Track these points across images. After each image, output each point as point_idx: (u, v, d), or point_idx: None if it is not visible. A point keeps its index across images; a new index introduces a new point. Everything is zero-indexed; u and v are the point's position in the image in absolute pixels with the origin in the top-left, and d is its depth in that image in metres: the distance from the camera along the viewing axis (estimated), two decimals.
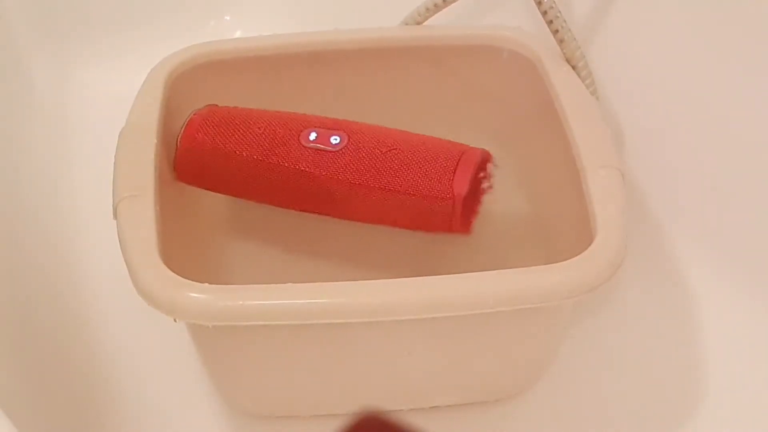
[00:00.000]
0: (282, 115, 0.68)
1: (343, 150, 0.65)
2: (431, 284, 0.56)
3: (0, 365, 0.61)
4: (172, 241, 0.59)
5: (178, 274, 0.55)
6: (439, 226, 0.65)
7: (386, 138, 0.66)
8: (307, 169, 0.65)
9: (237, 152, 0.66)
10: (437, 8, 0.77)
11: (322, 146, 0.66)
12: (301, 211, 0.69)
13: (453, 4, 0.77)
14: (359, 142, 0.66)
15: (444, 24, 0.79)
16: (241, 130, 0.67)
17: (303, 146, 0.66)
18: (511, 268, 0.58)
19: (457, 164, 0.64)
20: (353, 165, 0.65)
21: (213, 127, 0.67)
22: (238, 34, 0.90)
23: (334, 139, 0.66)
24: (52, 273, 0.73)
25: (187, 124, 0.67)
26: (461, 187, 0.63)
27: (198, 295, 0.54)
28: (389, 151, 0.65)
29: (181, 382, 0.69)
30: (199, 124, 0.67)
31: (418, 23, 0.78)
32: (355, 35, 0.75)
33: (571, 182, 0.63)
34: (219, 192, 0.69)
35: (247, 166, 0.66)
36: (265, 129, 0.66)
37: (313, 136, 0.66)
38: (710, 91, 0.72)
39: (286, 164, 0.66)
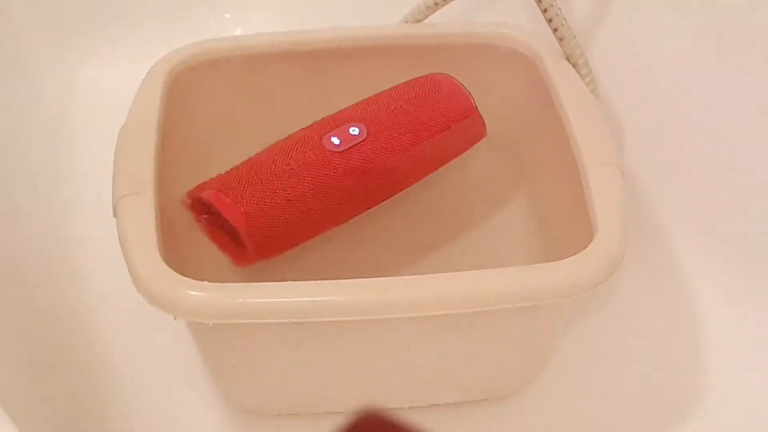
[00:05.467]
0: (288, 143, 0.66)
1: (370, 133, 0.66)
2: (431, 282, 0.56)
3: (0, 364, 0.61)
4: (172, 239, 0.60)
5: (178, 272, 0.55)
6: (474, 139, 0.71)
7: (384, 103, 0.68)
8: (359, 166, 0.65)
9: (290, 197, 0.63)
10: (437, 6, 0.77)
11: (351, 143, 0.66)
12: (371, 208, 0.68)
13: (453, 2, 0.77)
14: (374, 120, 0.67)
15: (444, 22, 0.79)
16: (272, 176, 0.64)
17: (337, 153, 0.65)
18: (511, 266, 0.58)
19: (450, 86, 0.70)
20: (388, 138, 0.66)
21: (246, 193, 0.63)
22: (238, 32, 0.90)
23: (353, 131, 0.66)
24: (52, 271, 0.73)
25: (218, 206, 0.62)
26: (469, 98, 0.70)
27: (198, 293, 0.54)
28: (400, 111, 0.67)
29: (182, 380, 0.69)
30: (229, 200, 0.63)
31: (418, 21, 0.78)
32: (355, 33, 0.75)
33: (570, 180, 0.64)
34: (296, 246, 0.66)
35: (306, 203, 0.64)
36: (292, 163, 0.64)
37: (336, 140, 0.66)
38: (710, 89, 0.72)
39: (337, 175, 0.65)
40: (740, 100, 0.70)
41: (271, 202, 0.63)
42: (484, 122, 0.71)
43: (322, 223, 0.66)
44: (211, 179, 0.65)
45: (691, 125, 0.73)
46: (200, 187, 0.64)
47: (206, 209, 0.65)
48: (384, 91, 0.70)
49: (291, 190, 0.64)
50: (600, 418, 0.67)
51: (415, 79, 0.71)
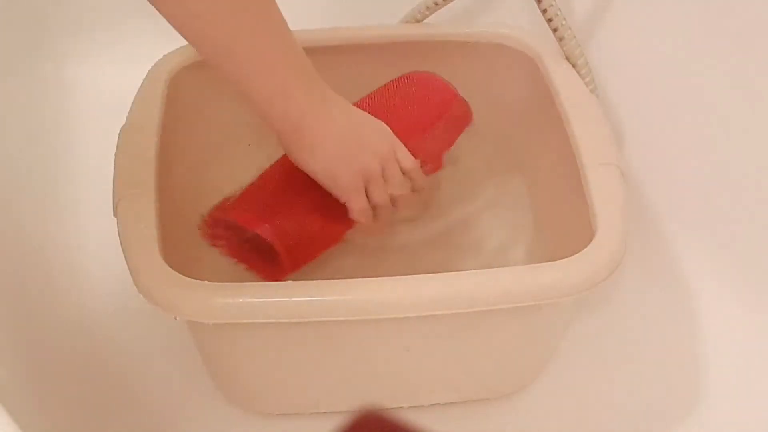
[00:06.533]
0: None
1: None
2: (430, 282, 0.56)
3: (1, 363, 0.62)
4: (172, 239, 0.60)
5: (178, 272, 0.55)
6: (465, 123, 0.71)
7: (379, 103, 0.68)
8: None
9: (310, 204, 0.63)
10: (437, 6, 0.77)
11: None
12: None
13: (453, 2, 0.77)
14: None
15: (444, 22, 0.80)
16: (289, 188, 0.63)
17: None
18: (511, 266, 0.58)
19: (432, 81, 0.71)
20: None
21: (270, 208, 0.63)
22: None
23: None
24: (53, 271, 0.73)
25: (246, 225, 0.62)
26: (450, 88, 0.70)
27: (198, 293, 0.54)
28: (394, 110, 0.67)
29: (182, 380, 0.69)
30: (255, 217, 0.62)
31: (418, 21, 0.78)
32: (355, 33, 0.75)
33: (570, 179, 0.64)
34: (323, 251, 0.66)
35: (326, 208, 0.63)
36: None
37: None
38: (710, 89, 0.72)
39: None
40: (740, 100, 0.70)
41: (295, 212, 0.63)
42: (469, 108, 0.71)
43: (343, 225, 0.65)
44: (227, 200, 0.64)
45: (691, 125, 0.73)
46: (221, 209, 0.64)
47: (226, 231, 0.64)
48: (374, 92, 0.70)
49: (311, 198, 0.63)
50: (600, 418, 0.67)
51: (399, 78, 0.71)
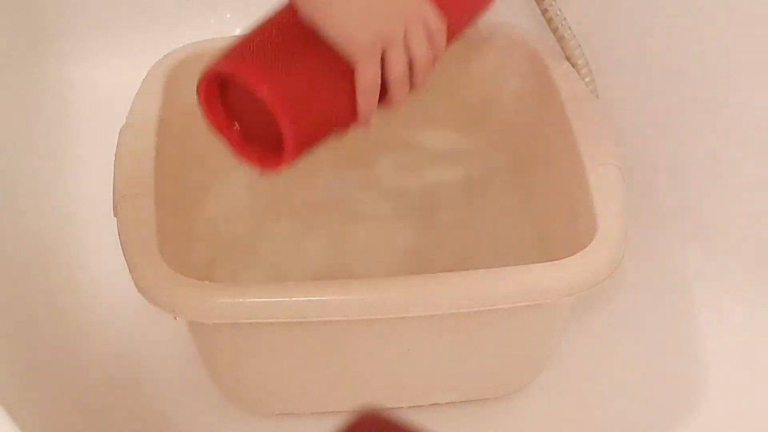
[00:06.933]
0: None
1: None
2: (431, 282, 0.56)
3: (1, 363, 0.62)
4: (172, 239, 0.60)
5: (178, 271, 0.55)
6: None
7: None
8: None
9: (314, 66, 0.54)
10: None
11: None
12: None
13: None
14: None
15: None
16: (292, 43, 0.55)
17: None
18: (511, 266, 0.58)
19: None
20: None
21: (275, 65, 0.54)
22: (237, 33, 0.90)
23: None
24: (53, 271, 0.73)
25: (244, 77, 0.54)
26: None
27: (197, 292, 0.54)
28: None
29: (182, 380, 0.69)
30: (257, 70, 0.54)
31: None
32: None
33: (570, 179, 0.64)
34: (330, 131, 0.55)
35: (332, 71, 0.54)
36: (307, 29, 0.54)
37: None
38: (709, 89, 0.72)
39: None
40: (739, 100, 0.70)
41: (298, 69, 0.54)
42: None
43: (351, 93, 0.55)
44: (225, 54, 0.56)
45: (691, 125, 0.73)
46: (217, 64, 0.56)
47: (220, 91, 0.57)
48: None
49: (322, 59, 0.54)
50: (600, 418, 0.67)
51: None
